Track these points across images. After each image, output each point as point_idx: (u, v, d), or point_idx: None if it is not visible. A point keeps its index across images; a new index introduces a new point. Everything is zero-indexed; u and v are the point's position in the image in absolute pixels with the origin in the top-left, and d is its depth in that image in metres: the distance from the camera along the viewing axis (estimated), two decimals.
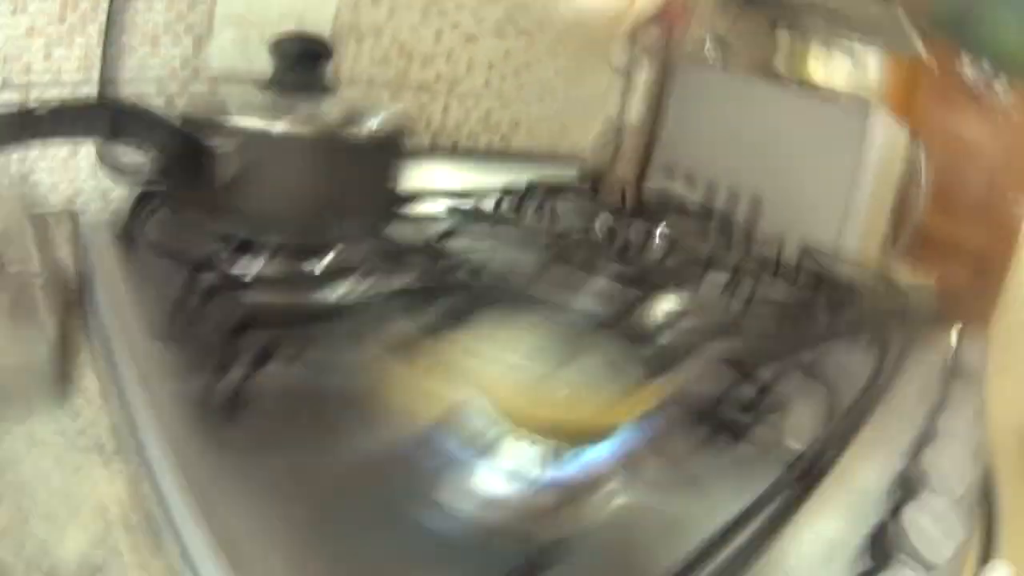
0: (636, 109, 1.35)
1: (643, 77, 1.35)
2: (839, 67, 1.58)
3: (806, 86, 1.49)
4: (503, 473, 0.38)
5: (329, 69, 0.60)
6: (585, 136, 1.27)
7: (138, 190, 0.56)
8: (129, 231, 0.55)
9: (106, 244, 0.54)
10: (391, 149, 0.62)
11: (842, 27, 1.54)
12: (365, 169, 0.59)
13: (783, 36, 1.69)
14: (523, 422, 0.38)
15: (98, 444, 0.38)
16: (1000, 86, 1.91)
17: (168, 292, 0.45)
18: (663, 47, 1.34)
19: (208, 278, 0.46)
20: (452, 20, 0.91)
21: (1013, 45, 1.83)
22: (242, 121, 0.52)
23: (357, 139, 0.57)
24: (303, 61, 0.58)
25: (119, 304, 0.47)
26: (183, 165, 0.50)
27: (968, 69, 1.91)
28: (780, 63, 1.62)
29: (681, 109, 1.33)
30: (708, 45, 1.49)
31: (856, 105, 1.13)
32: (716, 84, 1.32)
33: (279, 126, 0.53)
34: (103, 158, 0.54)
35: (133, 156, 0.51)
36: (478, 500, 0.36)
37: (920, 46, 1.61)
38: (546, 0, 1.07)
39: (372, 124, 0.58)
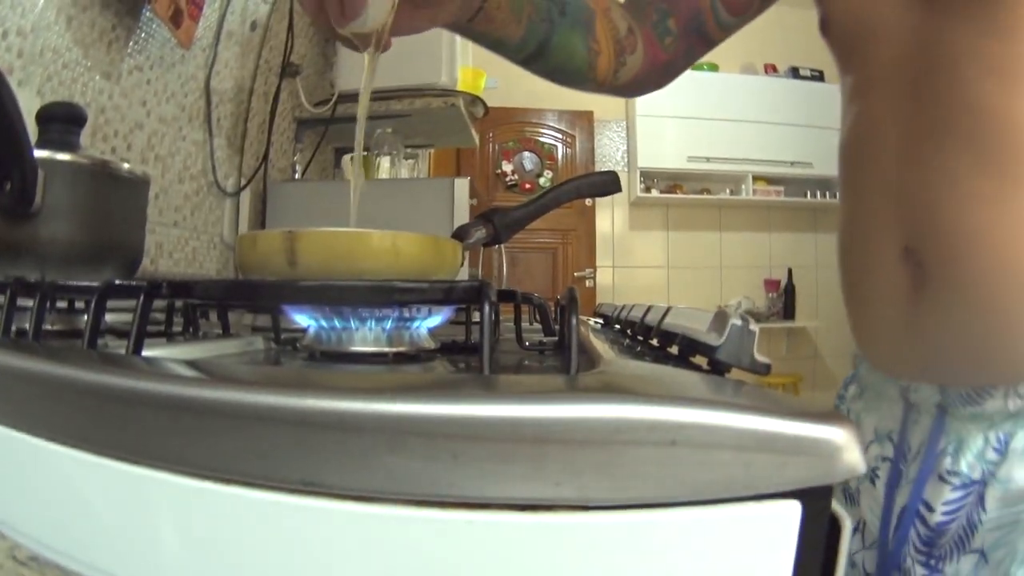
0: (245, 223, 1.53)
1: (248, 199, 1.51)
2: (403, 165, 1.95)
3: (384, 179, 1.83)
4: None
5: None
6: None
7: None
8: None
9: None
10: None
11: (409, 138, 1.95)
12: None
13: (346, 156, 2.07)
14: None
15: None
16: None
17: None
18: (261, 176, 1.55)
19: None
20: None
21: None
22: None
23: None
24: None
25: None
26: None
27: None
28: (346, 172, 2.04)
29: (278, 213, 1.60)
30: (293, 168, 1.76)
31: (440, 181, 1.57)
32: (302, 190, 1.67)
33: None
34: None
35: None
36: None
37: (475, 136, 2.11)
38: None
39: None
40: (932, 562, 0.51)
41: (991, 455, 0.49)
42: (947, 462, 0.51)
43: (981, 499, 0.49)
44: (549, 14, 0.65)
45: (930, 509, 0.52)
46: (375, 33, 0.49)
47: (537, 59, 0.67)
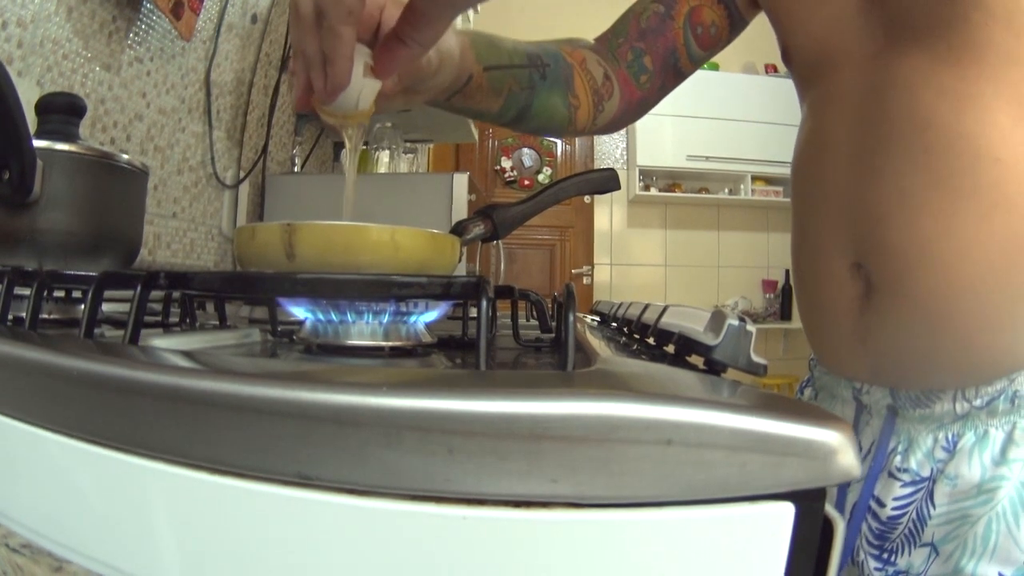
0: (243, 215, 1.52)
1: (247, 191, 1.51)
2: (401, 160, 1.94)
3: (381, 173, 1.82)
4: None
5: None
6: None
7: None
8: None
9: None
10: None
11: (408, 132, 1.94)
12: None
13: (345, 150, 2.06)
14: None
15: None
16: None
17: None
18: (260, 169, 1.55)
19: None
20: None
21: None
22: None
23: None
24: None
25: None
26: None
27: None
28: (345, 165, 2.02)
29: (277, 206, 1.59)
30: (292, 161, 1.76)
31: (439, 176, 1.54)
32: (301, 183, 1.66)
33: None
34: None
35: None
36: None
37: (474, 132, 2.11)
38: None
39: None
40: (885, 555, 0.53)
41: (940, 454, 0.51)
42: (897, 460, 0.53)
43: (930, 495, 0.51)
44: (531, 81, 0.67)
45: (881, 504, 0.54)
46: (360, 114, 0.50)
47: (518, 123, 0.69)
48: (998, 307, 0.47)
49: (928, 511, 0.51)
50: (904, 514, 0.52)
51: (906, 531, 0.52)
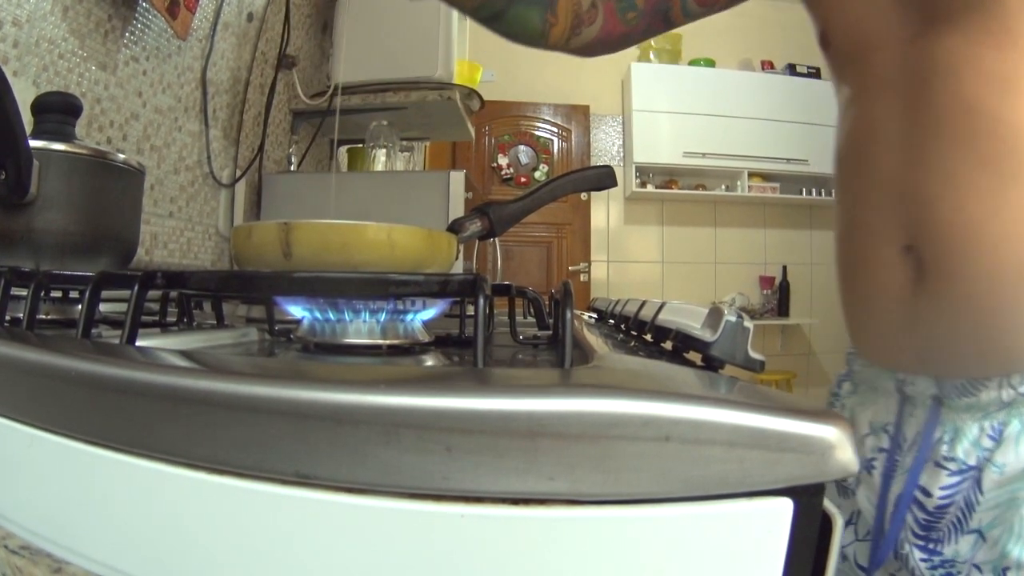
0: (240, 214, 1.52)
1: (243, 190, 1.50)
2: (398, 158, 1.94)
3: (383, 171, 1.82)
4: None
5: None
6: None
7: None
8: None
9: None
10: None
11: (404, 130, 1.94)
12: None
13: (342, 148, 2.07)
14: None
15: None
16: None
17: None
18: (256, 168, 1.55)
19: None
20: None
21: None
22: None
23: None
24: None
25: None
26: None
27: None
28: (342, 165, 2.04)
29: (273, 205, 1.60)
30: (288, 160, 1.75)
31: (436, 174, 1.57)
32: (297, 182, 1.68)
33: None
34: None
35: None
36: None
37: (471, 130, 2.11)
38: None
39: None
40: (931, 545, 0.54)
41: (986, 442, 0.51)
42: (944, 450, 0.54)
43: (977, 483, 0.51)
44: None
45: (927, 494, 0.54)
46: None
47: (490, 23, 0.69)
48: None
49: (976, 498, 0.51)
50: (951, 503, 0.53)
51: (953, 519, 0.52)
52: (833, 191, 0.65)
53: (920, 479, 0.55)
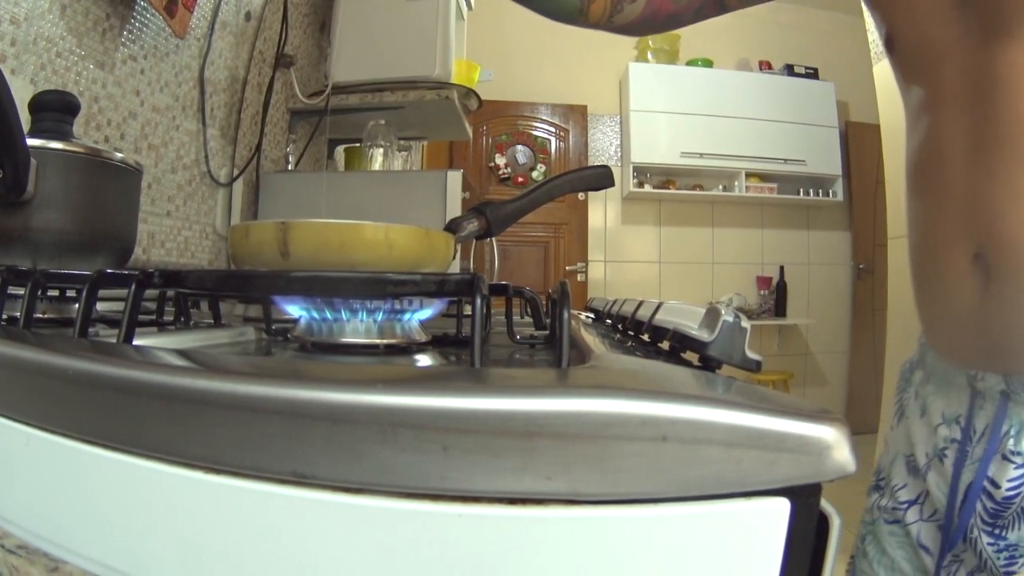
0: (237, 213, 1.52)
1: (241, 190, 1.50)
2: (395, 157, 1.94)
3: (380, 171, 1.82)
4: None
5: None
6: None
7: None
8: None
9: None
10: None
11: (402, 130, 1.94)
12: None
13: (340, 148, 2.07)
14: None
15: None
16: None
17: None
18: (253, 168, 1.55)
19: None
20: None
21: None
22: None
23: None
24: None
25: None
26: None
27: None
28: (340, 164, 2.04)
29: (271, 204, 1.60)
30: (286, 159, 1.75)
31: (433, 174, 1.58)
32: (295, 181, 1.67)
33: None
34: None
35: None
36: None
37: (468, 129, 2.11)
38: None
39: None
40: (997, 531, 0.57)
41: None
42: (1010, 443, 0.57)
43: None
44: None
45: (996, 486, 0.57)
46: None
47: (527, 0, 0.69)
48: None
49: None
50: (1019, 494, 0.56)
51: (1019, 508, 0.56)
52: (905, 198, 0.68)
53: (989, 471, 0.58)
